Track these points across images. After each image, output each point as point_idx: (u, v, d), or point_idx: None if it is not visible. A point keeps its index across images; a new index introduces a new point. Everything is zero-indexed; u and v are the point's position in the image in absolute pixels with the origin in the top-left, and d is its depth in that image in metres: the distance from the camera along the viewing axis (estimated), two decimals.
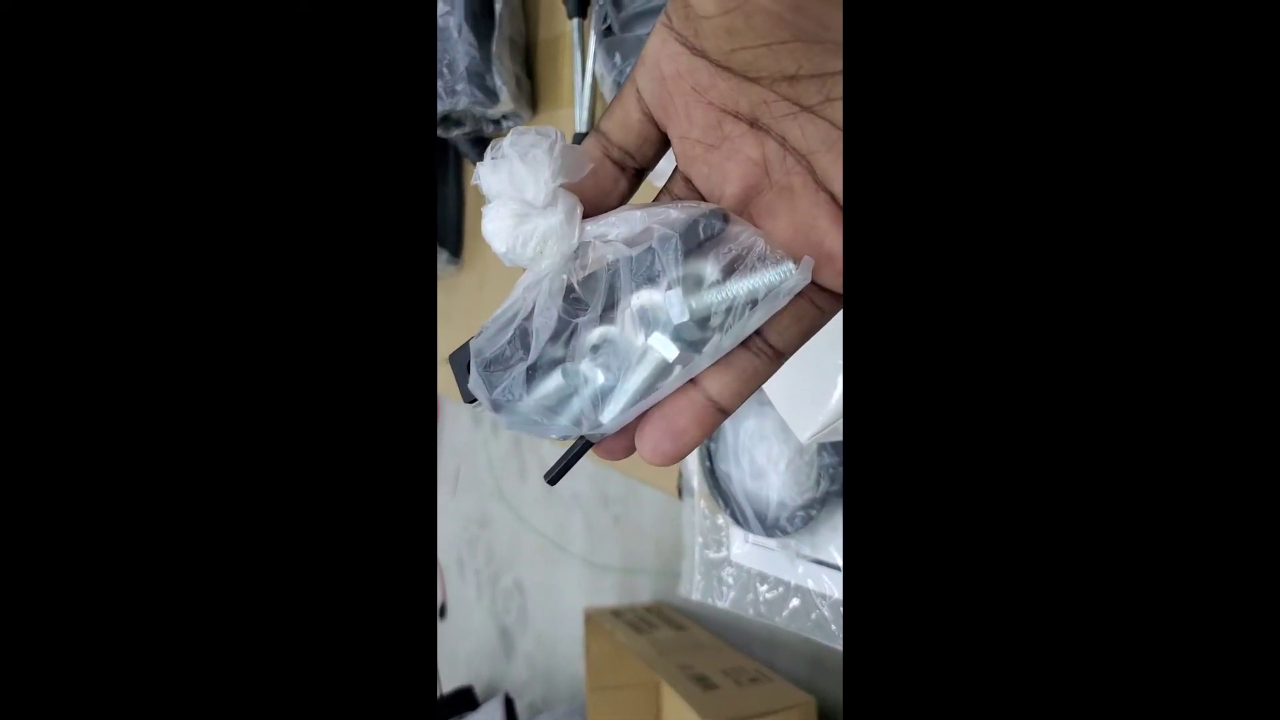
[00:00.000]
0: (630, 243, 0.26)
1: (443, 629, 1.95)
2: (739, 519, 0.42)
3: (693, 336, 0.26)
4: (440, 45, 0.56)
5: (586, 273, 0.27)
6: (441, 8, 0.56)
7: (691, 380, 0.27)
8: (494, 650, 1.80)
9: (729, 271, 0.26)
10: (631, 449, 0.28)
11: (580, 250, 0.27)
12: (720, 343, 0.26)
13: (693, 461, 0.48)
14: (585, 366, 0.27)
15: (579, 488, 1.61)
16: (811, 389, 0.35)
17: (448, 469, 1.98)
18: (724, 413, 0.28)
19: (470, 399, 0.28)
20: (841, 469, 0.39)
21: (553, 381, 0.27)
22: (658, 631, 1.26)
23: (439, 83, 0.57)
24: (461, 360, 0.29)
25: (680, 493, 0.50)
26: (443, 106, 0.57)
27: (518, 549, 1.76)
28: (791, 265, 0.26)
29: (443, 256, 0.68)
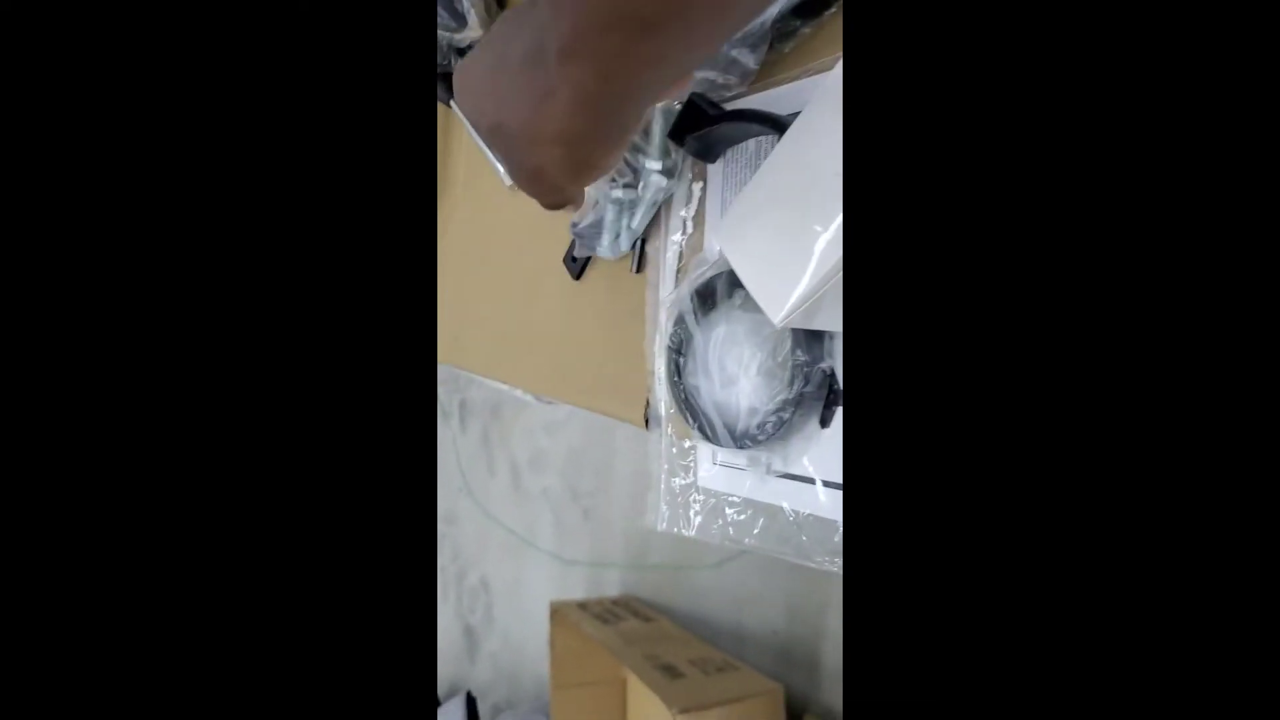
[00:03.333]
0: None
1: None
2: (708, 434, 0.40)
3: None
4: None
5: None
6: None
7: None
8: (458, 650, 1.76)
9: None
10: None
11: None
12: None
13: (661, 389, 0.46)
14: None
15: (549, 483, 1.58)
16: (784, 265, 0.33)
17: None
18: None
19: None
20: (815, 369, 0.37)
21: None
22: (624, 623, 1.23)
23: None
24: None
25: (647, 423, 0.48)
26: None
27: (485, 546, 1.72)
28: None
29: None
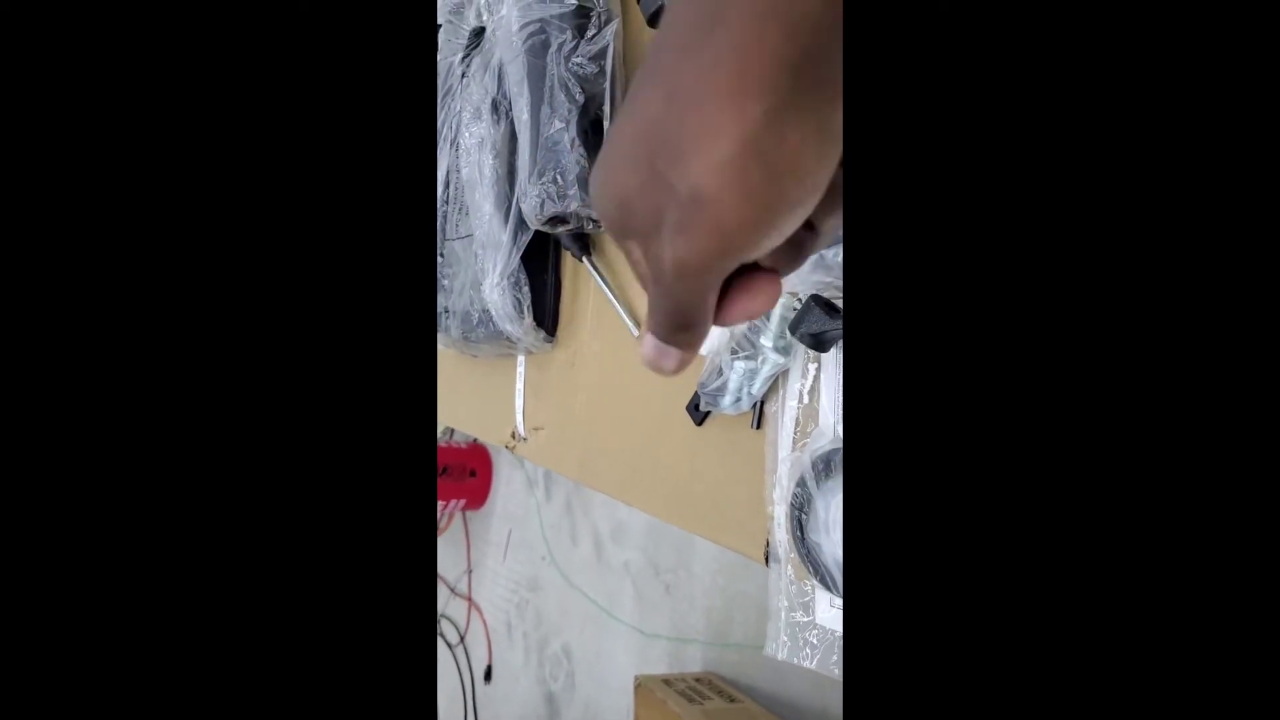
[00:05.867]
0: None
1: (487, 693, 1.97)
2: (828, 585, 0.47)
3: None
4: (553, 156, 0.65)
5: None
6: (556, 124, 0.64)
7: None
8: (539, 717, 1.81)
9: None
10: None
11: None
12: None
13: (781, 532, 0.53)
14: None
15: (630, 556, 1.65)
16: None
17: (500, 534, 2.03)
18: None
19: None
20: None
21: None
22: (710, 702, 1.27)
23: (553, 188, 0.65)
24: None
25: (767, 560, 0.55)
26: (556, 208, 0.65)
27: (567, 615, 1.79)
28: None
29: (540, 335, 0.75)
